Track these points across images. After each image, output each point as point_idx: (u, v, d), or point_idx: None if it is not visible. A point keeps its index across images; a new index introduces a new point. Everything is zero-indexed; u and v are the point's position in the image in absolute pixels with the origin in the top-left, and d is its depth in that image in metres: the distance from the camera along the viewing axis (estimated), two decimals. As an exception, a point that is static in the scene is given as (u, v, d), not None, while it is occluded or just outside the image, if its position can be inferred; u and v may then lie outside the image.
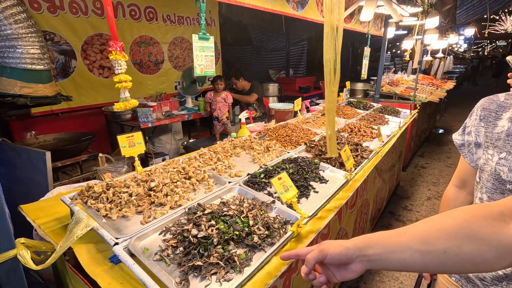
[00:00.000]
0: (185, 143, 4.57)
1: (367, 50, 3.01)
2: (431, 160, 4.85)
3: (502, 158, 0.83)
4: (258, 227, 1.11)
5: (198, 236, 1.03)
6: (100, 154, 2.25)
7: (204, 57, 1.40)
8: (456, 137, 1.02)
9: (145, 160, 3.96)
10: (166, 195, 1.30)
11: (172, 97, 4.70)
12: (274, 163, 1.79)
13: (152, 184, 1.31)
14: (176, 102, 4.55)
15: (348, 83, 3.98)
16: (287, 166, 1.70)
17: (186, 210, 1.21)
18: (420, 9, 2.64)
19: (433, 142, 5.87)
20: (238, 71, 4.36)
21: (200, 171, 1.56)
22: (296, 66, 8.93)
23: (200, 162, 1.68)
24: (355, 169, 1.80)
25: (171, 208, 1.25)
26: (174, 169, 1.51)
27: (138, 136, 1.50)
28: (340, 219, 1.79)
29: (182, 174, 1.48)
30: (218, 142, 2.35)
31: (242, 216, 1.15)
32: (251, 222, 1.12)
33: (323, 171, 1.80)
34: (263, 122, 2.53)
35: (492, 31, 13.29)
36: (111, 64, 1.06)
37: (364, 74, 3.16)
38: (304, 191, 1.52)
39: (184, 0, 4.81)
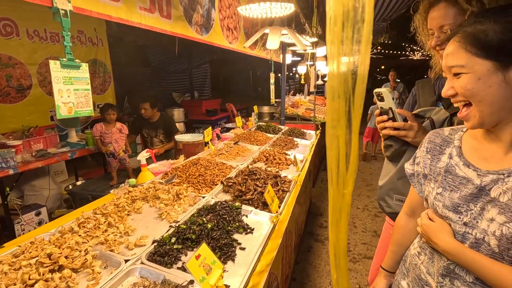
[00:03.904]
0: (70, 187, 3.63)
1: (272, 76, 3.05)
2: (332, 173, 5.33)
3: (438, 193, 0.83)
4: None
5: None
6: None
7: (73, 92, 0.98)
8: (407, 166, 0.98)
9: (7, 220, 2.92)
10: (13, 315, 0.80)
11: (47, 131, 3.72)
12: (188, 217, 1.45)
13: (-17, 304, 0.79)
14: (54, 137, 3.61)
15: (255, 108, 3.99)
16: (205, 219, 1.38)
17: (50, 338, 0.75)
18: (315, 39, 2.87)
19: (331, 155, 6.55)
20: (156, 98, 3.76)
21: (80, 251, 1.09)
22: (200, 89, 8.74)
23: (80, 235, 1.19)
24: (280, 208, 1.63)
25: (21, 339, 0.76)
26: (32, 260, 0.99)
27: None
28: (270, 268, 1.57)
29: (48, 266, 0.98)
30: (111, 191, 1.84)
31: (146, 327, 0.78)
32: (161, 335, 0.76)
33: (247, 216, 1.56)
34: (169, 160, 2.15)
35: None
36: None
37: (272, 98, 3.19)
38: (228, 251, 1.23)
39: (58, 13, 3.97)
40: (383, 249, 1.51)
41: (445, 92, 0.77)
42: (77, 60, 0.97)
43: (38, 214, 3.14)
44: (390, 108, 1.13)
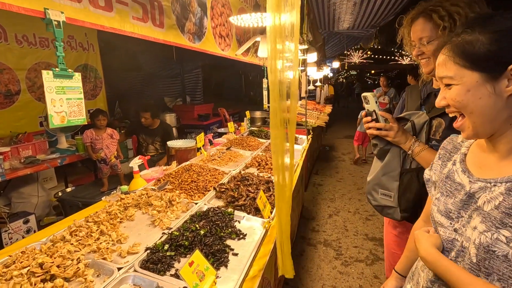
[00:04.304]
0: (60, 193, 3.57)
1: (265, 82, 3.10)
2: (324, 176, 5.38)
3: (437, 198, 0.84)
4: None
5: None
6: None
7: (66, 101, 0.99)
8: (426, 172, 0.99)
9: (-7, 228, 2.85)
10: (4, 326, 0.80)
11: (36, 137, 3.66)
12: (181, 223, 1.46)
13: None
14: (43, 143, 3.56)
15: (247, 113, 4.02)
16: (197, 226, 1.39)
17: None
18: (306, 47, 2.92)
19: (323, 159, 6.61)
20: (157, 108, 3.77)
21: (73, 260, 1.08)
22: (192, 93, 8.73)
23: (72, 244, 1.19)
24: (272, 214, 1.65)
25: None
26: (23, 270, 0.99)
27: None
28: (262, 273, 1.59)
29: (39, 275, 0.98)
30: (103, 198, 1.83)
31: (140, 334, 0.79)
32: None
33: (239, 222, 1.58)
34: (162, 166, 2.15)
35: (346, 63, 17.07)
36: None
37: (265, 104, 3.23)
38: (221, 257, 1.25)
39: (47, 18, 3.93)
40: (388, 254, 1.61)
41: (438, 102, 0.77)
42: (69, 70, 0.98)
43: (26, 222, 3.07)
44: (374, 110, 1.23)
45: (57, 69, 0.95)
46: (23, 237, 2.86)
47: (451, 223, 0.76)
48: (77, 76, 1.02)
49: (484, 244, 0.66)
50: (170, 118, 5.35)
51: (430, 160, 1.16)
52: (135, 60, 7.13)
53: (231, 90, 10.85)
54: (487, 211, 0.68)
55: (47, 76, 0.93)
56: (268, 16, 0.66)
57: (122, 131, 4.06)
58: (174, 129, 5.33)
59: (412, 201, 1.23)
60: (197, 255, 0.92)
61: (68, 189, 3.59)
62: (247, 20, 1.61)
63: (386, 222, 1.60)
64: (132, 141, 4.76)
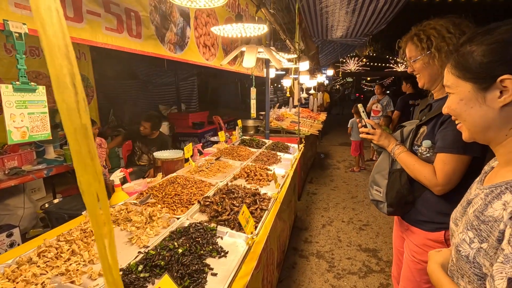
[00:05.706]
0: (46, 205, 3.47)
1: (253, 91, 3.06)
2: (319, 185, 5.32)
3: (457, 207, 0.88)
4: None
5: None
6: None
7: (28, 116, 0.94)
8: None
9: (-26, 243, 2.75)
10: None
11: (24, 147, 3.59)
12: (159, 241, 1.40)
13: None
14: (30, 154, 3.49)
15: (239, 122, 3.98)
16: (176, 243, 1.33)
17: None
18: (295, 56, 2.89)
19: (317, 167, 6.56)
20: (159, 120, 3.75)
21: (37, 284, 1.02)
22: (188, 101, 8.70)
23: (39, 266, 1.12)
24: (256, 229, 1.59)
25: None
26: (-21, 297, 0.92)
27: None
28: (246, 291, 1.52)
29: (-4, 303, 0.91)
30: (83, 213, 1.76)
31: None
32: None
33: (222, 238, 1.51)
34: (147, 178, 2.09)
35: (342, 71, 17.26)
36: None
37: (253, 113, 3.19)
38: (198, 278, 1.18)
39: (37, 28, 3.91)
40: (396, 251, 1.70)
41: (443, 109, 0.82)
42: (32, 83, 0.93)
43: (10, 235, 2.98)
44: (363, 118, 1.52)
45: (17, 82, 0.90)
46: (5, 251, 2.77)
47: (456, 230, 0.79)
48: (41, 89, 0.97)
49: (455, 243, 0.72)
50: (163, 127, 5.30)
51: (406, 161, 1.34)
52: (129, 68, 7.12)
53: (227, 98, 10.85)
54: (468, 214, 0.73)
55: (5, 90, 0.88)
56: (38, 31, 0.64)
57: (119, 135, 4.04)
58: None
59: (395, 198, 1.37)
60: (165, 280, 0.86)
61: (56, 200, 3.50)
62: (229, 30, 1.58)
63: (395, 221, 1.69)
64: (122, 150, 4.69)
